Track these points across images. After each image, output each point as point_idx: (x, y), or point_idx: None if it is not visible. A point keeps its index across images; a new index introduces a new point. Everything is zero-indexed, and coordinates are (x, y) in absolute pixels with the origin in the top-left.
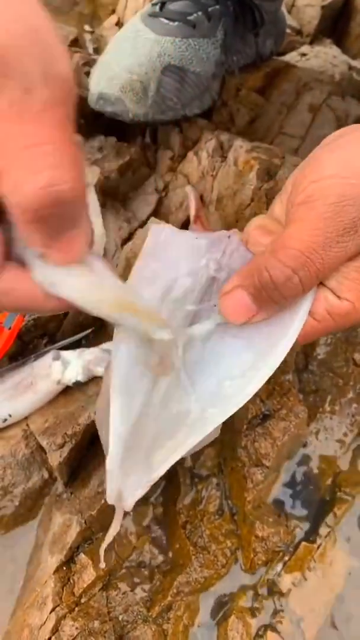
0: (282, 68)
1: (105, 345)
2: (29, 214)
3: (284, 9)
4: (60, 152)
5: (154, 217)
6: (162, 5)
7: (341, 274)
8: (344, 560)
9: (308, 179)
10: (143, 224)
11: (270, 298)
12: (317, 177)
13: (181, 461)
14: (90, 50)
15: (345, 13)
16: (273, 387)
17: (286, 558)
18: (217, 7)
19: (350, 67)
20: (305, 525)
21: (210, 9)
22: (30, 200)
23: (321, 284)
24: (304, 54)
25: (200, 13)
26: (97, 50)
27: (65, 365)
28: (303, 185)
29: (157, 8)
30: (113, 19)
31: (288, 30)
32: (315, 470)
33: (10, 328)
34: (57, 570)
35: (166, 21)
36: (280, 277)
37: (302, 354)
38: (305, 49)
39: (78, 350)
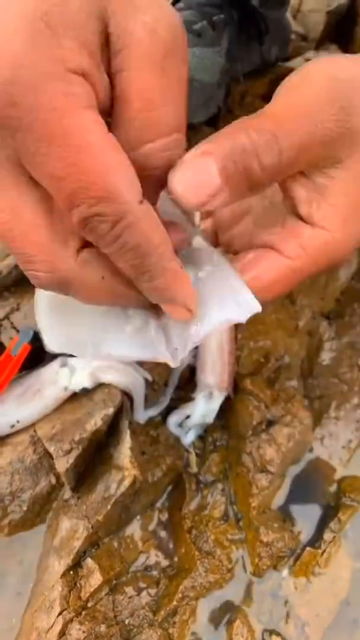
0: (287, 74)
1: None
2: (146, 171)
3: (288, 14)
4: None
5: None
6: None
7: (321, 196)
8: (348, 565)
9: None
10: None
11: (245, 168)
12: (300, 70)
13: (187, 467)
14: None
15: (350, 18)
16: (278, 393)
17: (291, 563)
18: (222, 16)
19: None
20: (310, 531)
21: (214, 18)
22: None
23: (293, 216)
24: (308, 60)
25: (204, 22)
26: None
27: (72, 372)
28: (285, 81)
29: None
30: None
31: (293, 36)
32: (320, 476)
33: (16, 355)
34: (64, 575)
35: None
36: (260, 140)
37: (307, 360)
38: (310, 54)
39: (84, 358)
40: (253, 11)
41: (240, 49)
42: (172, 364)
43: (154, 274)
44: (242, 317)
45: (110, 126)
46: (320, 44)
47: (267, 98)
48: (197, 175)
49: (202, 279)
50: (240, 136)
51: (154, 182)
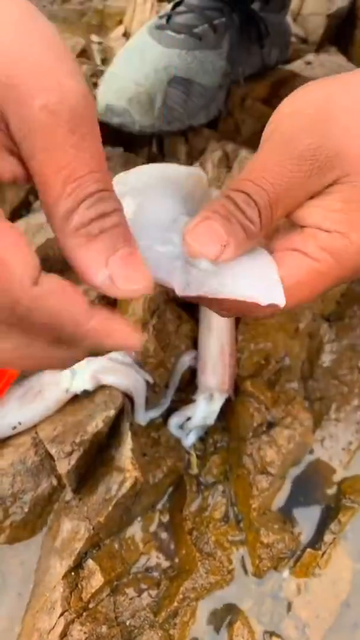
0: (288, 77)
1: (112, 355)
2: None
3: (289, 18)
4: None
5: None
6: (169, 17)
7: (323, 209)
8: (349, 566)
9: (271, 119)
10: None
11: (238, 222)
12: (276, 116)
13: (188, 469)
14: (98, 61)
15: (351, 21)
16: (278, 395)
17: (291, 564)
18: (223, 19)
19: None
20: (310, 532)
21: (215, 22)
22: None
23: (305, 226)
24: (309, 63)
25: (206, 25)
26: (105, 61)
27: (73, 374)
28: (266, 129)
29: (164, 21)
30: (120, 29)
31: (293, 39)
32: (320, 478)
33: None
34: (65, 576)
35: (172, 33)
36: (239, 198)
37: (308, 362)
38: (310, 57)
39: (86, 359)
40: (254, 15)
41: (241, 52)
42: (177, 291)
43: (78, 340)
44: (264, 300)
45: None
46: (320, 47)
47: (267, 101)
48: (207, 232)
49: (243, 257)
50: (226, 200)
51: (103, 236)
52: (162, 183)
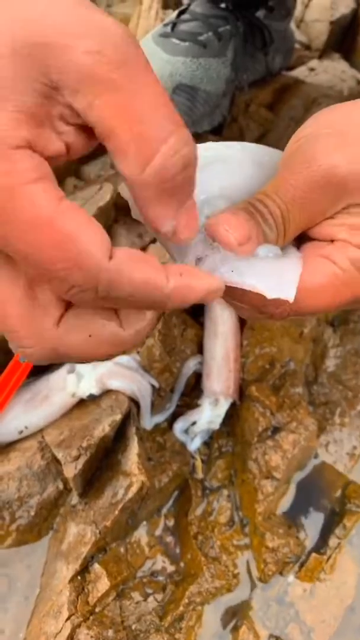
0: (291, 84)
1: (118, 359)
2: (164, 184)
3: (292, 24)
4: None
5: None
6: (174, 25)
7: (349, 227)
8: (354, 571)
9: (294, 138)
10: (155, 240)
11: (258, 224)
12: (299, 134)
13: (193, 473)
14: None
15: (353, 28)
16: (283, 399)
17: (296, 569)
18: (227, 27)
19: (359, 82)
20: (315, 537)
21: (220, 30)
22: (165, 169)
23: (335, 240)
24: (312, 69)
25: (210, 33)
26: None
27: (80, 379)
28: (287, 149)
29: (169, 29)
30: None
31: (297, 45)
32: (325, 482)
33: (24, 361)
34: (72, 580)
35: (177, 41)
36: (259, 206)
37: (312, 366)
38: (314, 63)
39: (92, 364)
40: (258, 23)
41: (245, 59)
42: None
43: (161, 304)
44: (270, 294)
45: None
46: (323, 53)
47: (271, 106)
48: (235, 220)
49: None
50: (248, 205)
51: (179, 194)
52: (256, 164)
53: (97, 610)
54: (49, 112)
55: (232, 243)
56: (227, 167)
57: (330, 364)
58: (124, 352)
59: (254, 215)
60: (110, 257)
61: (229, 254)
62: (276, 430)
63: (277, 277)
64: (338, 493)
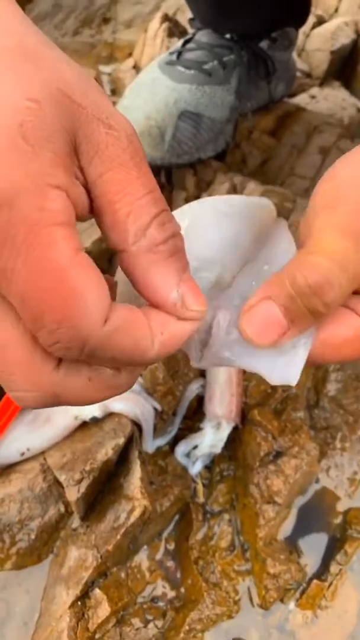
0: (293, 111)
1: None
2: (160, 246)
3: (294, 53)
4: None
5: None
6: (179, 54)
7: None
8: (355, 598)
9: (326, 187)
10: None
11: (307, 308)
12: (333, 186)
13: (194, 497)
14: (108, 91)
15: (353, 57)
16: (285, 424)
17: (297, 596)
18: (232, 57)
19: (359, 110)
20: (317, 563)
21: (225, 59)
22: (158, 234)
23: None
24: (313, 96)
25: (215, 62)
26: (115, 92)
27: None
28: (321, 194)
29: (175, 56)
30: (130, 62)
31: (298, 73)
32: (326, 508)
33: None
34: (72, 605)
35: (183, 69)
36: (320, 280)
37: (314, 391)
38: (314, 91)
39: None
40: (262, 53)
41: (248, 87)
42: (192, 363)
43: (147, 361)
44: (275, 381)
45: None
46: (324, 81)
47: (273, 133)
48: (264, 318)
49: None
50: (299, 279)
51: (176, 261)
52: (221, 214)
53: (97, 637)
54: (73, 169)
55: (263, 346)
56: (198, 230)
57: (332, 388)
58: (120, 393)
59: (300, 293)
60: (106, 321)
61: (232, 337)
62: (278, 454)
63: (283, 363)
64: (339, 519)
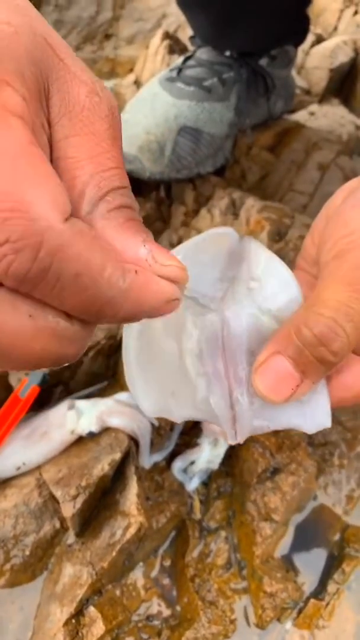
0: (292, 127)
1: (118, 396)
2: (121, 207)
3: (293, 70)
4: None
5: None
6: (179, 70)
7: None
8: (353, 618)
9: (336, 236)
10: None
11: (316, 358)
12: (345, 233)
13: (190, 514)
14: None
15: (352, 75)
16: (282, 440)
17: (294, 615)
18: (231, 74)
19: (358, 127)
20: (314, 582)
21: (224, 76)
22: (118, 196)
23: None
24: (312, 113)
25: (215, 79)
26: None
27: (79, 415)
28: (332, 242)
29: (175, 73)
30: (131, 77)
31: (297, 90)
32: (323, 525)
33: (24, 397)
34: (66, 623)
35: (183, 86)
36: (324, 330)
37: None
38: (314, 107)
39: (92, 400)
40: (261, 70)
41: (248, 104)
42: (229, 441)
43: (113, 303)
44: (312, 430)
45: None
46: (323, 98)
47: (272, 149)
48: (276, 373)
49: None
50: (304, 331)
51: (138, 224)
52: (194, 251)
53: None
54: (40, 110)
55: (278, 402)
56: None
57: None
58: (65, 363)
59: (308, 345)
60: (67, 221)
61: (256, 406)
62: (275, 471)
63: (311, 412)
64: (337, 536)
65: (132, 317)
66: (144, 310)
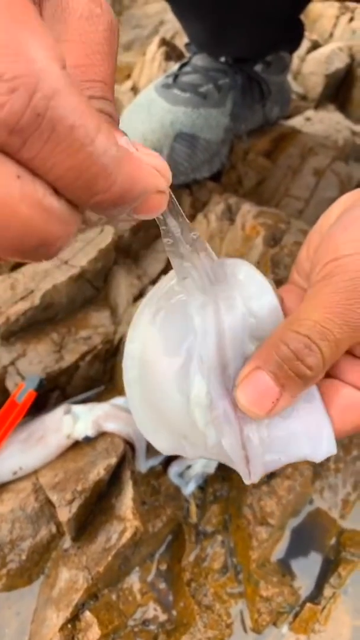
0: (288, 133)
1: (115, 401)
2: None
3: (289, 76)
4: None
5: (164, 275)
6: (175, 77)
7: None
8: (349, 623)
9: (326, 259)
10: (154, 281)
11: (294, 371)
12: (334, 256)
13: (187, 518)
14: None
15: (348, 81)
16: None
17: (290, 619)
18: (227, 80)
19: (353, 132)
20: (310, 586)
21: (220, 82)
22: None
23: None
24: (308, 119)
25: (210, 85)
26: None
27: (75, 420)
28: (321, 265)
29: (171, 80)
30: (128, 83)
31: (293, 96)
32: (320, 529)
33: (21, 402)
34: (62, 628)
35: (179, 92)
36: (299, 346)
37: None
38: (310, 113)
39: (89, 405)
40: (256, 76)
41: (243, 110)
42: (245, 481)
43: (108, 175)
44: (319, 458)
45: None
46: (319, 104)
47: (268, 154)
48: (257, 387)
49: (292, 412)
50: (282, 347)
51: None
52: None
53: None
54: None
55: (259, 414)
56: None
57: None
58: (50, 249)
59: (286, 361)
60: (63, 68)
61: (266, 442)
62: (271, 475)
63: (318, 437)
64: (333, 541)
65: (124, 197)
66: (137, 191)
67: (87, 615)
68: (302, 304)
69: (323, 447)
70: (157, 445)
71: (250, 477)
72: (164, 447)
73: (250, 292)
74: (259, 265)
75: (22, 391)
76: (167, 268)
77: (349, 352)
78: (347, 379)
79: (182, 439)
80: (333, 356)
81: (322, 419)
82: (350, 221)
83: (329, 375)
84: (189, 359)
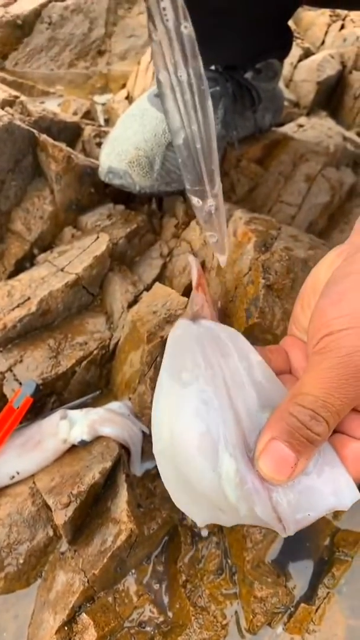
0: (280, 140)
1: (110, 405)
2: None
3: (281, 83)
4: None
5: (158, 282)
6: None
7: None
8: (342, 622)
9: (319, 335)
10: (148, 287)
11: (305, 438)
12: (328, 331)
13: (182, 520)
14: (102, 121)
15: (339, 88)
16: None
17: (285, 620)
18: (217, 88)
19: (345, 138)
20: (304, 586)
21: (211, 90)
22: None
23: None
24: (300, 125)
25: None
26: (108, 121)
27: (72, 425)
28: (315, 339)
29: None
30: (123, 92)
31: (286, 103)
32: (314, 530)
33: (18, 408)
34: (59, 630)
35: None
36: (306, 418)
37: None
38: (302, 120)
39: (84, 410)
40: (246, 84)
41: (235, 117)
42: (282, 535)
43: None
44: (346, 506)
45: None
46: (311, 111)
47: (261, 162)
48: (275, 457)
49: (311, 469)
50: (291, 419)
51: None
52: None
53: None
54: None
55: (282, 480)
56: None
57: None
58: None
59: (297, 431)
60: None
61: (293, 503)
62: None
63: (340, 487)
64: (327, 541)
65: None
66: None
67: (84, 617)
68: (304, 376)
69: (346, 494)
70: (194, 517)
71: (285, 532)
72: (201, 518)
73: (250, 362)
74: (250, 270)
75: (19, 397)
76: (161, 275)
77: (354, 410)
78: (354, 434)
79: (217, 510)
80: (336, 421)
81: (339, 470)
82: (339, 295)
83: (336, 430)
84: (217, 437)
